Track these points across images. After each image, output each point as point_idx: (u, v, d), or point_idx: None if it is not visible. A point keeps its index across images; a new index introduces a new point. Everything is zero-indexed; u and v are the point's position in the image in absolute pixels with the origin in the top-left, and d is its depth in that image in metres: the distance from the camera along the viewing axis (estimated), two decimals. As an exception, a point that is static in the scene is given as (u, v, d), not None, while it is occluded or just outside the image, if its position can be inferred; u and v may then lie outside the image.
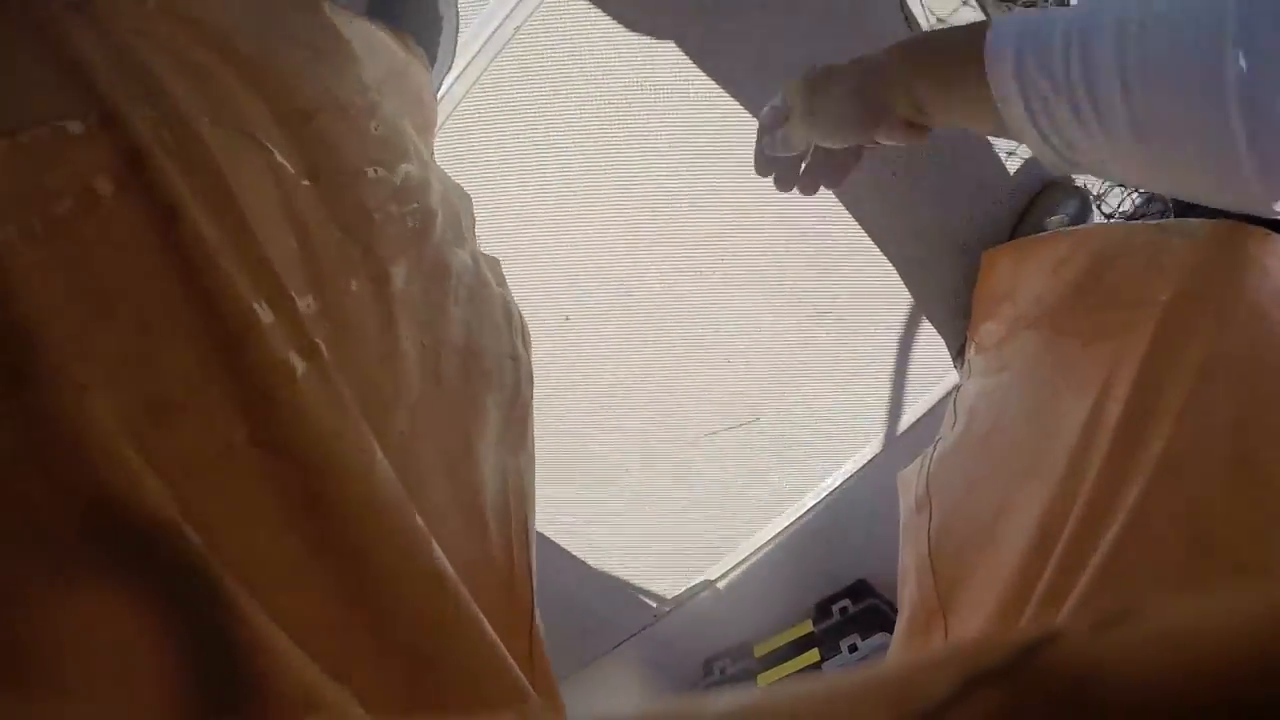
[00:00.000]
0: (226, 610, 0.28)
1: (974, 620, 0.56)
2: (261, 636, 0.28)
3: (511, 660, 0.38)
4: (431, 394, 0.43)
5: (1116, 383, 0.52)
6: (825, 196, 0.80)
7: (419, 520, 0.35)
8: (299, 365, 0.33)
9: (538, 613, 0.49)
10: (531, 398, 0.60)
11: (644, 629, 0.95)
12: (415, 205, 0.48)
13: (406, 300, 0.44)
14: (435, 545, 0.35)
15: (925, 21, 0.81)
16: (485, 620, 0.37)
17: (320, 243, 0.38)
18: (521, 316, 0.64)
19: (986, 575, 0.56)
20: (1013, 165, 0.88)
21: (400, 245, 0.45)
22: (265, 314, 0.32)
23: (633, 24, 0.74)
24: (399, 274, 0.43)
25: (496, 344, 0.58)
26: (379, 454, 0.34)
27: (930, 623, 0.62)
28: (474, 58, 0.73)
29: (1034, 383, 0.65)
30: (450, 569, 0.36)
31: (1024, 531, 0.53)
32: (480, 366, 0.52)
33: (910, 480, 0.79)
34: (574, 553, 0.88)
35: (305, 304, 0.35)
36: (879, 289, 0.84)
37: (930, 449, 0.76)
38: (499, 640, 0.37)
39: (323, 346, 0.34)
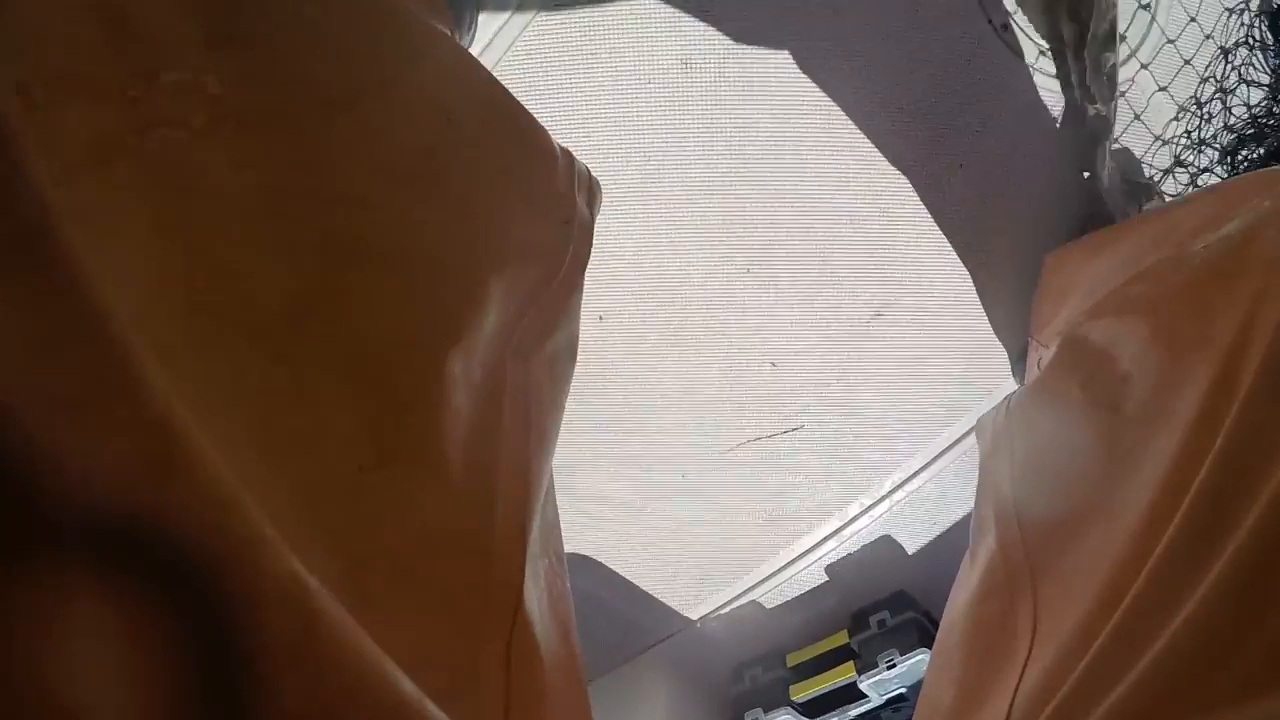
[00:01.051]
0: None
1: (1073, 600, 0.42)
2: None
3: None
4: (336, 279, 0.28)
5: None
6: (881, 189, 0.75)
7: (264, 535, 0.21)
8: None
9: (531, 594, 0.35)
10: (581, 272, 0.46)
11: (675, 634, 0.93)
12: None
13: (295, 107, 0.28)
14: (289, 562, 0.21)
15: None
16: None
17: None
18: (590, 172, 0.50)
19: (1095, 538, 0.43)
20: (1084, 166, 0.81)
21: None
22: None
23: None
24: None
25: (538, 197, 0.43)
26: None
27: (1014, 584, 0.49)
28: (497, 33, 0.68)
29: (1156, 317, 0.50)
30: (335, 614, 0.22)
31: (1148, 486, 0.40)
32: (488, 234, 0.36)
33: (988, 423, 0.69)
34: (603, 561, 0.85)
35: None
36: (934, 294, 0.78)
37: (1010, 396, 0.68)
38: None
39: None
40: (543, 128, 0.47)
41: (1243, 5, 0.83)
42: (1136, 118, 0.82)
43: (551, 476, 0.47)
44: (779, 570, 0.87)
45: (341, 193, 0.29)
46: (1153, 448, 0.42)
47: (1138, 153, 0.83)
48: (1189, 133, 0.87)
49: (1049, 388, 0.61)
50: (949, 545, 0.90)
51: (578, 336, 0.49)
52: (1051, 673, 0.39)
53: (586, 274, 0.73)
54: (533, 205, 0.43)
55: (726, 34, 0.68)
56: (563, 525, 0.83)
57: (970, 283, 0.79)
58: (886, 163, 0.74)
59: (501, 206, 0.39)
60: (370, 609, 0.27)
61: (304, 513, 0.26)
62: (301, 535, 0.25)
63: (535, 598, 0.37)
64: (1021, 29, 0.78)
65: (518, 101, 0.45)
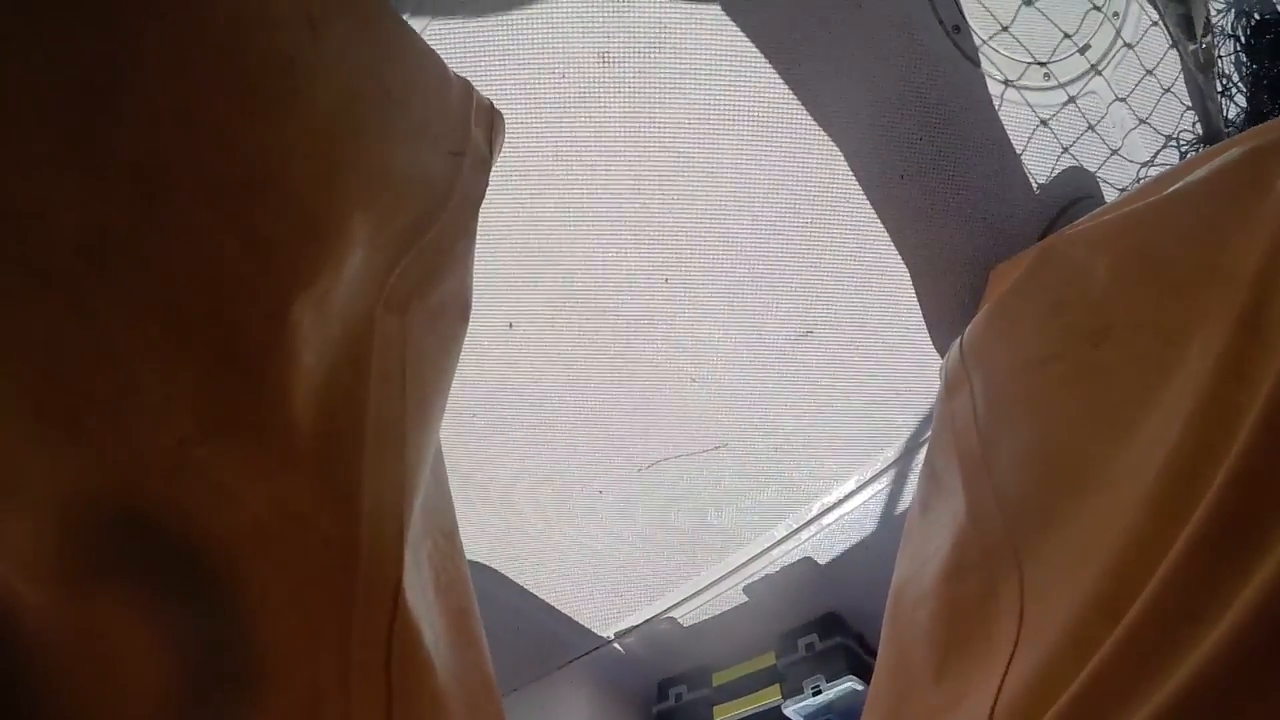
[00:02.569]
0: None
1: (1065, 586, 0.35)
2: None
3: None
4: (152, 210, 0.24)
5: None
6: (816, 199, 0.71)
7: None
8: None
9: (414, 586, 0.31)
10: (474, 214, 0.41)
11: (596, 649, 0.89)
12: None
13: None
14: None
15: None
16: None
17: None
18: (492, 104, 0.45)
19: (1089, 510, 0.37)
20: (1037, 179, 0.77)
21: None
22: None
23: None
24: None
25: (424, 124, 0.38)
26: None
27: (993, 562, 0.42)
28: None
29: (1142, 237, 0.43)
30: None
31: (1154, 451, 0.33)
32: (355, 161, 0.32)
33: (945, 364, 0.61)
34: (519, 581, 0.81)
35: None
36: (868, 312, 0.74)
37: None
38: None
39: None
40: (435, 52, 0.42)
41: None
42: (1091, 128, 0.77)
43: (439, 449, 0.42)
44: (702, 590, 0.83)
45: (165, 105, 0.25)
46: (1155, 400, 0.35)
47: (1092, 166, 0.79)
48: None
49: (1012, 312, 0.52)
50: (884, 568, 0.86)
51: (470, 291, 0.44)
52: (1043, 675, 0.33)
53: (495, 278, 0.69)
54: (417, 133, 0.38)
55: (647, 27, 0.64)
56: (476, 537, 0.80)
57: (908, 302, 0.75)
58: (818, 172, 0.69)
59: (376, 132, 0.34)
60: (201, 610, 0.24)
61: (112, 493, 0.23)
62: (107, 520, 0.22)
63: (419, 589, 0.32)
64: (976, 31, 0.74)
65: (404, 21, 0.39)
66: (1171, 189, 0.42)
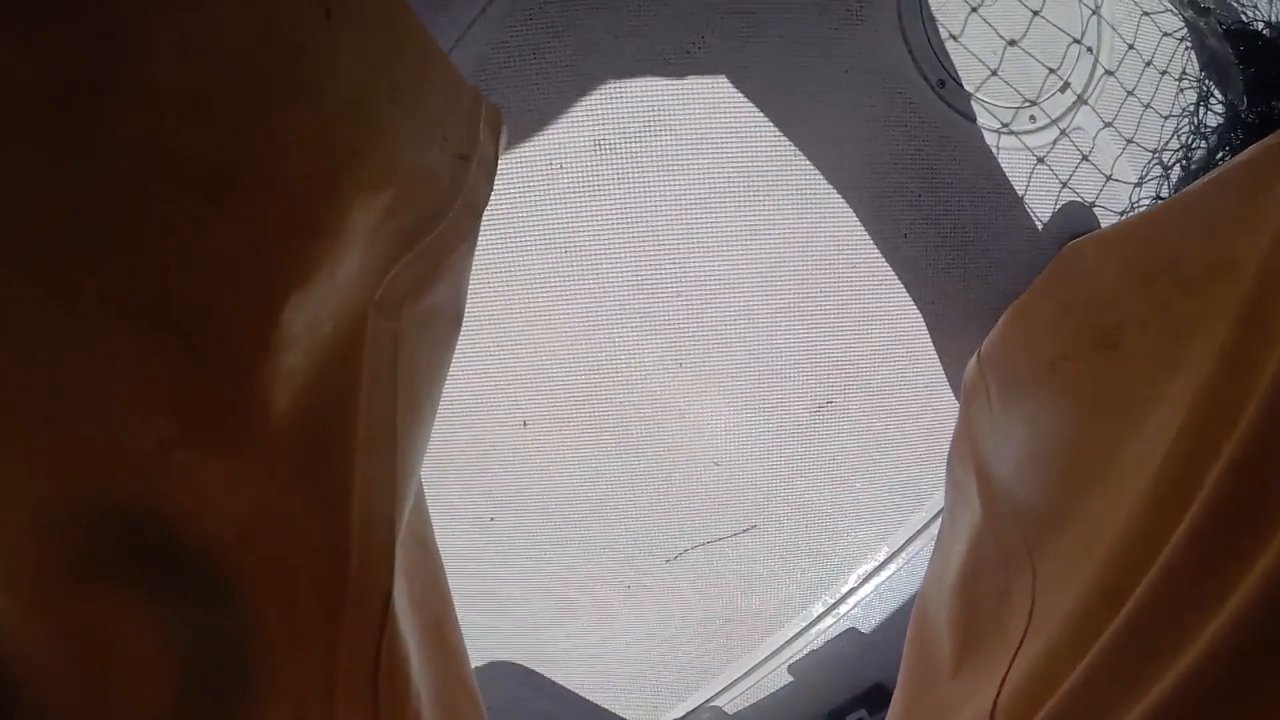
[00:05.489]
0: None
1: (1072, 580, 0.35)
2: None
3: None
4: (142, 200, 0.23)
5: None
6: (822, 267, 0.69)
7: None
8: None
9: (399, 607, 0.30)
10: (476, 219, 0.40)
11: (637, 747, 0.85)
12: None
13: None
14: None
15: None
16: None
17: None
18: (497, 109, 0.44)
19: (1096, 506, 0.36)
20: (1039, 220, 0.76)
21: None
22: None
23: (596, 59, 0.62)
24: None
25: (433, 123, 0.36)
26: None
27: (1009, 562, 0.41)
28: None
29: (1149, 232, 0.44)
30: None
31: (1157, 443, 0.32)
32: (360, 157, 0.30)
33: (966, 371, 0.61)
34: (552, 682, 0.77)
35: None
36: (885, 373, 0.72)
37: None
38: None
39: None
40: (445, 54, 0.41)
41: (1182, 31, 0.79)
42: (1085, 159, 0.77)
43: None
44: (741, 677, 0.80)
45: (168, 91, 0.23)
46: (1162, 395, 0.34)
47: (1090, 192, 0.78)
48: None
49: (1027, 315, 0.53)
50: (926, 632, 0.83)
51: (464, 298, 0.42)
52: (1045, 664, 0.33)
53: (505, 376, 0.67)
54: (425, 132, 0.36)
55: (640, 111, 0.63)
56: (503, 642, 0.76)
57: (926, 359, 0.73)
58: (821, 239, 0.68)
59: (384, 128, 0.32)
60: (189, 618, 0.24)
61: (89, 491, 0.22)
62: (86, 521, 0.22)
63: (400, 599, 0.31)
64: (962, 83, 0.73)
65: (418, 18, 0.38)
66: (1182, 190, 0.42)
